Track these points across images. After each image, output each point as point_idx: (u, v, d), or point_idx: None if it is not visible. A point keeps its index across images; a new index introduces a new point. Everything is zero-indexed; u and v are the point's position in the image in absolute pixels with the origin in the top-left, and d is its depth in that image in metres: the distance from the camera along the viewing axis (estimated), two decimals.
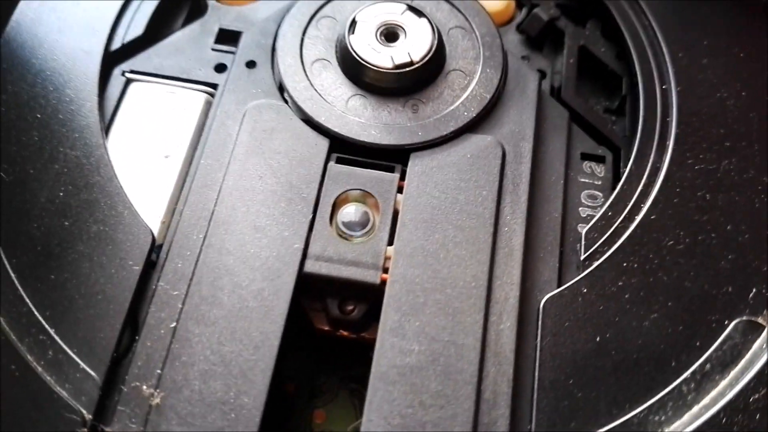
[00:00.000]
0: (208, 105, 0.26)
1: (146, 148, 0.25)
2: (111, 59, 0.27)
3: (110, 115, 0.26)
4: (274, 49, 0.27)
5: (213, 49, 0.27)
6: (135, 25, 0.28)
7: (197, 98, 0.26)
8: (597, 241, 0.24)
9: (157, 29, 0.28)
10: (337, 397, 0.25)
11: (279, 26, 0.27)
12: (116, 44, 0.27)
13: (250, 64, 0.26)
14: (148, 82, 0.26)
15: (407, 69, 0.25)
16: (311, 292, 0.23)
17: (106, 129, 0.25)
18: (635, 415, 0.21)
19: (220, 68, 0.27)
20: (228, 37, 0.28)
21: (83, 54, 0.26)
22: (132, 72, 0.27)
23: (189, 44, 0.27)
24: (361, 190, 0.24)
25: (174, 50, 0.27)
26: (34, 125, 0.25)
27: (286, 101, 0.26)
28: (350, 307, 0.23)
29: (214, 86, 0.26)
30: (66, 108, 0.25)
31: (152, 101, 0.26)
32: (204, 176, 0.24)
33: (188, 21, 0.29)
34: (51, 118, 0.25)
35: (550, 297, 0.22)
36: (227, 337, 0.21)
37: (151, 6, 0.28)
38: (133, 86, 0.26)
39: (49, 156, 0.24)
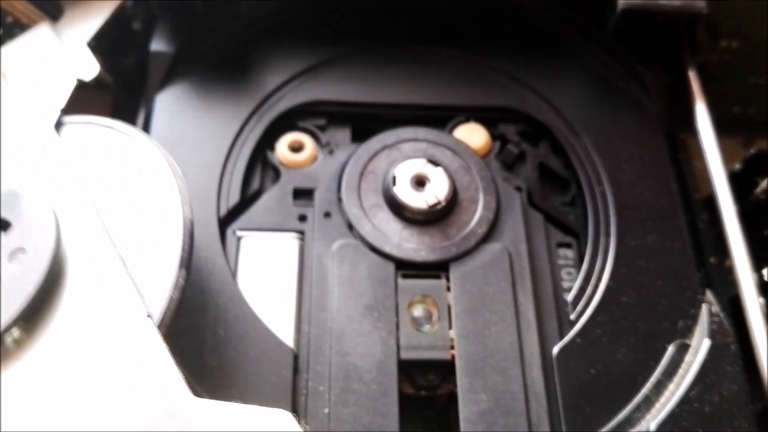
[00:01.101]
0: (301, 247, 0.37)
1: (267, 285, 0.36)
2: (222, 223, 0.37)
3: (234, 266, 0.36)
4: (340, 200, 0.38)
5: (294, 205, 0.38)
6: (232, 193, 0.38)
7: (294, 243, 0.37)
8: (579, 305, 0.36)
9: (246, 193, 0.39)
10: None
11: (339, 183, 0.38)
12: (222, 211, 0.37)
13: (326, 215, 0.37)
14: (255, 235, 0.37)
15: (438, 208, 0.37)
16: (402, 370, 0.34)
17: (235, 276, 0.36)
18: (623, 416, 0.33)
19: (302, 218, 0.38)
20: (303, 194, 0.38)
21: (201, 222, 0.37)
22: (241, 230, 0.37)
23: (275, 203, 0.38)
24: (423, 294, 0.36)
25: (265, 209, 0.38)
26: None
27: (358, 238, 0.37)
28: (430, 376, 0.35)
29: (302, 232, 0.37)
30: (204, 268, 0.35)
31: (261, 249, 0.37)
32: (318, 301, 0.35)
33: (263, 183, 0.40)
34: (199, 278, 0.35)
35: (559, 349, 0.35)
36: (364, 413, 0.32)
37: (239, 176, 0.39)
38: (244, 241, 0.37)
39: (204, 305, 0.34)
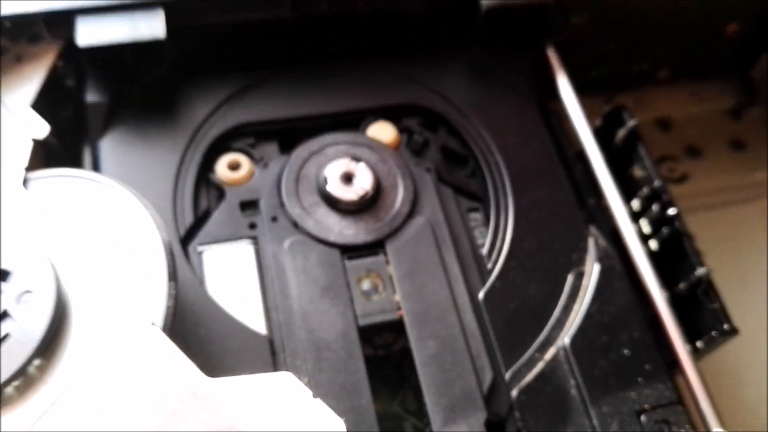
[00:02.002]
0: (257, 250, 0.43)
1: (233, 288, 0.42)
2: (183, 243, 0.43)
3: (201, 277, 0.42)
4: (282, 205, 0.44)
5: (243, 216, 0.44)
6: (186, 216, 0.43)
7: (249, 249, 0.43)
8: (493, 256, 0.44)
9: (197, 213, 0.44)
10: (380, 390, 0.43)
11: (279, 190, 0.44)
12: (181, 232, 0.43)
13: (273, 219, 0.44)
14: (214, 248, 0.43)
15: (366, 197, 0.44)
16: (361, 335, 0.41)
17: (203, 285, 0.41)
18: (543, 337, 0.42)
19: (252, 226, 0.44)
20: (248, 206, 0.44)
21: None
22: (201, 245, 0.43)
23: (226, 217, 0.44)
24: (368, 270, 0.42)
25: (219, 224, 0.43)
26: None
27: (304, 234, 0.43)
28: (385, 336, 0.42)
29: (254, 238, 0.43)
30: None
31: (222, 259, 0.42)
32: (280, 292, 0.41)
33: (210, 202, 0.45)
34: None
35: (483, 293, 0.43)
36: (337, 376, 0.39)
37: (189, 199, 0.44)
38: (206, 254, 0.43)
39: (183, 312, 0.40)
